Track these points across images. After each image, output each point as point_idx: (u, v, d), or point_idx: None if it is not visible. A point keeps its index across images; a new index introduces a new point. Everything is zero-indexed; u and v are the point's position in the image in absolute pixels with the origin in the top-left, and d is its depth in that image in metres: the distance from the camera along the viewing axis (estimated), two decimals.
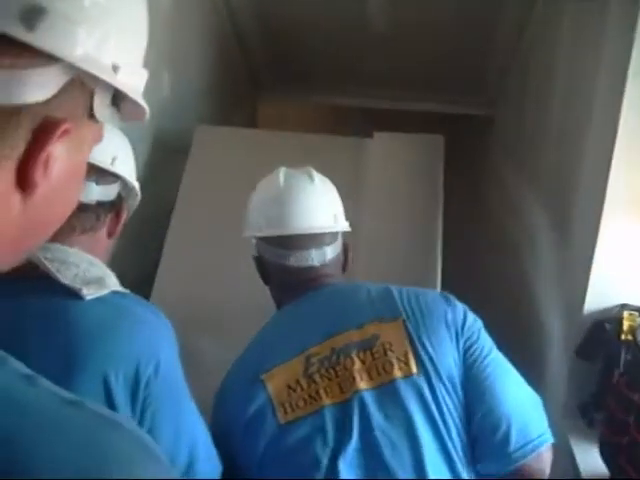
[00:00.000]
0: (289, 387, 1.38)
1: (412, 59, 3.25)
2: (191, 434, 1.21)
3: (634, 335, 1.69)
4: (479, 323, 1.48)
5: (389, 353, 1.39)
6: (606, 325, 1.75)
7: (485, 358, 1.42)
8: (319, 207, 1.58)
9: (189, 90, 2.73)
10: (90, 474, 0.48)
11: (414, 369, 1.38)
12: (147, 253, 2.29)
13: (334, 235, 1.59)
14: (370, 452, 1.32)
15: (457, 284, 2.51)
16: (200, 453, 1.21)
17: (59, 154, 0.57)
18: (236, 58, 3.42)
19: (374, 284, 1.54)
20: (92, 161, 1.23)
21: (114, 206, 1.33)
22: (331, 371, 1.39)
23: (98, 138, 0.66)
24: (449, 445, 1.34)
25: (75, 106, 0.59)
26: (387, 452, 1.32)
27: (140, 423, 1.13)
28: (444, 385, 1.38)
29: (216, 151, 2.44)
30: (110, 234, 1.35)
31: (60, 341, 1.14)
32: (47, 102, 0.55)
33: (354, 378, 1.37)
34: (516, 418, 1.35)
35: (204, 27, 2.91)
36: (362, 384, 1.37)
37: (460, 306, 1.49)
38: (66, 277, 1.17)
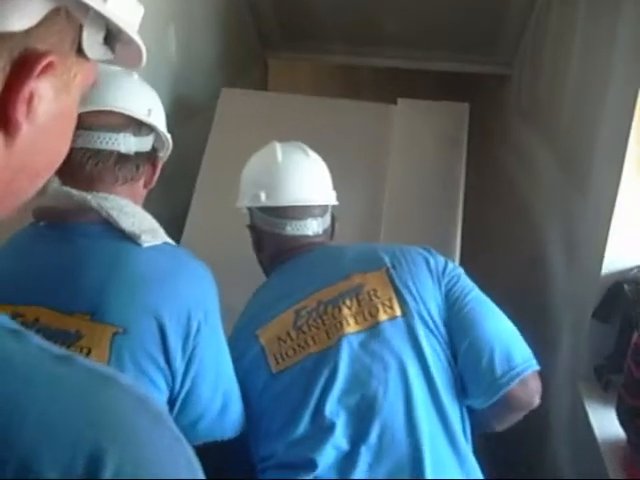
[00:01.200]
0: (279, 339, 1.47)
1: (427, 18, 3.18)
2: (227, 377, 1.34)
3: None
4: (459, 269, 1.57)
5: (374, 299, 1.48)
6: (625, 286, 1.72)
7: (466, 296, 1.50)
8: (315, 181, 1.69)
9: (197, 50, 2.68)
10: (83, 433, 0.46)
11: (398, 311, 1.46)
12: (173, 206, 2.30)
13: (326, 208, 1.70)
14: (356, 390, 1.40)
15: (472, 247, 2.49)
16: (232, 395, 1.34)
17: (44, 92, 0.52)
18: (246, 17, 3.36)
19: (361, 244, 1.65)
20: (129, 113, 1.33)
21: (150, 157, 1.40)
22: (318, 320, 1.47)
23: (89, 79, 0.60)
24: (435, 380, 1.40)
25: (60, 39, 0.53)
26: (373, 389, 1.39)
27: (187, 366, 1.22)
28: (427, 325, 1.46)
29: (241, 113, 2.44)
30: (146, 184, 1.42)
31: (118, 281, 1.22)
32: (28, 32, 0.49)
33: (341, 324, 1.45)
34: (499, 347, 1.42)
35: None
36: (348, 329, 1.45)
37: (441, 256, 1.59)
38: (126, 225, 1.26)
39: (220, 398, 1.31)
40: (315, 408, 1.39)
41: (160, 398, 1.22)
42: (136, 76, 1.44)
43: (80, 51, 0.56)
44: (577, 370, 1.90)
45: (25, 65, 0.50)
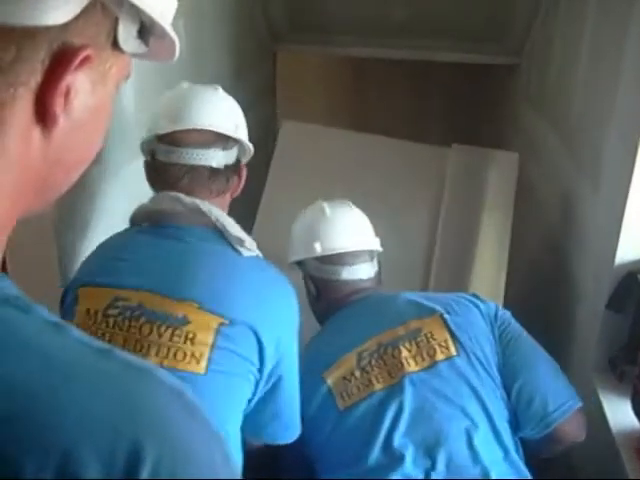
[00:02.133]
0: (344, 378, 1.60)
1: (436, 8, 3.17)
2: (297, 387, 1.44)
3: None
4: (508, 314, 1.71)
5: (431, 341, 1.62)
6: (638, 277, 1.71)
7: (517, 340, 1.65)
8: (360, 229, 1.85)
9: (206, 42, 2.68)
10: (123, 428, 0.46)
11: (454, 352, 1.60)
12: None
13: (373, 253, 1.84)
14: (422, 424, 1.52)
15: None
16: (297, 404, 1.45)
17: (80, 85, 0.52)
18: (255, 10, 3.35)
19: (410, 292, 1.78)
20: (219, 130, 1.43)
21: (236, 168, 1.49)
22: (380, 361, 1.61)
23: (125, 73, 0.60)
24: (492, 413, 1.53)
25: (97, 32, 0.53)
26: (437, 422, 1.52)
27: (272, 371, 1.34)
28: (481, 364, 1.59)
29: (300, 148, 2.53)
30: (233, 193, 1.51)
31: (226, 280, 1.34)
32: (66, 26, 0.49)
33: (402, 364, 1.59)
34: (549, 387, 1.57)
35: None
36: (410, 368, 1.58)
37: (490, 302, 1.74)
38: (233, 230, 1.38)
39: (292, 403, 1.43)
40: (385, 441, 1.51)
41: (247, 391, 1.33)
42: (221, 90, 1.53)
43: (115, 44, 0.55)
44: (591, 361, 1.89)
45: (63, 59, 0.50)
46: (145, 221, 1.43)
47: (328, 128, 2.96)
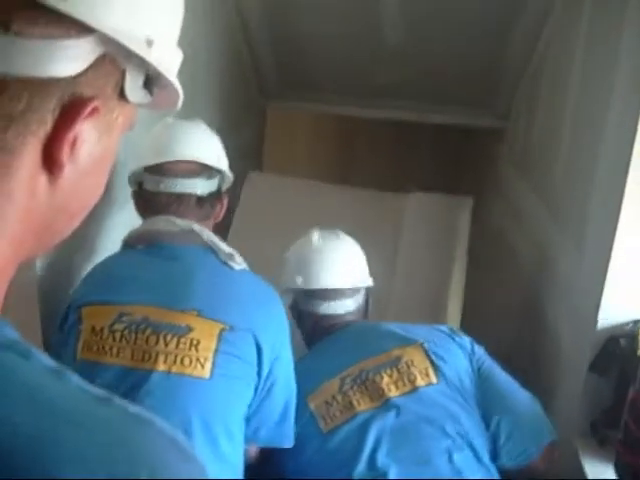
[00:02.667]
0: (326, 402, 1.66)
1: (423, 72, 3.23)
2: (293, 390, 1.53)
3: None
4: (483, 349, 1.79)
5: (412, 368, 1.68)
6: (621, 340, 1.72)
7: (493, 375, 1.74)
8: (347, 266, 1.88)
9: (199, 95, 2.72)
10: (121, 475, 0.47)
11: (434, 379, 1.66)
12: None
13: (357, 289, 1.88)
14: (404, 445, 1.57)
15: (466, 297, 2.49)
16: (293, 407, 1.53)
17: (87, 135, 0.54)
18: (247, 67, 3.41)
19: (391, 323, 1.86)
20: (204, 161, 1.59)
21: (218, 195, 1.64)
22: (362, 386, 1.66)
23: (130, 122, 0.62)
24: (472, 438, 1.59)
25: (105, 84, 0.55)
26: (420, 443, 1.57)
27: (269, 373, 1.43)
28: (460, 392, 1.66)
29: (264, 198, 2.66)
30: (216, 218, 1.66)
31: (222, 289, 1.45)
32: (77, 77, 0.51)
33: (383, 390, 1.64)
34: (527, 423, 1.65)
35: (216, 35, 2.90)
36: (391, 393, 1.64)
37: (464, 335, 1.83)
38: (223, 247, 1.50)
39: (286, 407, 1.50)
40: (368, 461, 1.55)
41: (248, 395, 1.42)
42: (203, 124, 1.69)
43: (122, 94, 0.57)
44: (573, 424, 1.88)
45: (73, 109, 0.52)
46: (140, 242, 1.53)
47: (292, 178, 3.11)
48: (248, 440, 1.46)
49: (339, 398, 1.65)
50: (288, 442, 1.53)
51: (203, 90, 2.82)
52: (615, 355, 1.74)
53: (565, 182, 2.24)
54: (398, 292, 2.43)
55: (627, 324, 1.76)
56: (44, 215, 0.55)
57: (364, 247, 1.97)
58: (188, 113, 2.45)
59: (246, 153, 3.45)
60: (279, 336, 1.48)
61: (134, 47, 0.54)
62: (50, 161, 0.52)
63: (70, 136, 0.52)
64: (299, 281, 1.85)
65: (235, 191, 2.76)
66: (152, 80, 0.61)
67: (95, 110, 0.53)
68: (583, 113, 2.12)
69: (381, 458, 1.54)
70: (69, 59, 0.50)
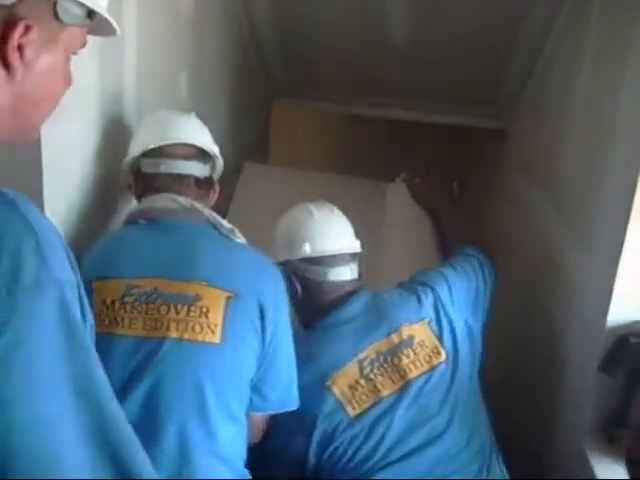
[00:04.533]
0: (351, 387, 1.73)
1: (429, 72, 3.23)
2: (292, 354, 1.60)
3: None
4: (440, 285, 1.99)
5: (425, 349, 1.81)
6: (631, 339, 1.72)
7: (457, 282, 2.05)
8: (346, 232, 1.96)
9: (206, 92, 2.73)
10: None
11: (443, 355, 1.82)
12: None
13: (356, 255, 1.95)
14: (423, 423, 1.72)
15: None
16: (295, 369, 1.61)
17: (30, 44, 0.81)
18: (254, 66, 3.42)
19: (390, 292, 1.97)
20: (200, 145, 1.70)
21: (212, 180, 1.75)
22: (382, 369, 1.76)
23: (77, 41, 0.90)
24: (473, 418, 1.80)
25: (38, 8, 0.82)
26: (437, 420, 1.73)
27: (273, 335, 1.51)
28: (455, 349, 1.86)
29: (260, 188, 2.74)
30: (209, 203, 1.71)
31: (227, 260, 1.54)
32: (12, 5, 0.79)
33: (404, 371, 1.76)
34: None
35: (224, 33, 2.92)
36: (411, 374, 1.76)
37: (421, 287, 1.99)
38: (224, 223, 1.59)
39: (290, 369, 1.58)
40: (396, 442, 1.68)
41: (254, 361, 1.49)
42: (194, 115, 1.79)
43: (57, 17, 0.84)
44: (582, 423, 1.87)
45: (9, 26, 0.79)
46: (141, 219, 1.58)
47: (287, 169, 3.18)
48: (257, 408, 1.52)
49: (362, 382, 1.73)
50: (295, 403, 1.60)
51: (211, 89, 2.83)
52: (625, 354, 1.74)
53: (574, 181, 2.24)
54: (386, 267, 2.49)
55: (637, 323, 1.76)
56: (9, 98, 0.82)
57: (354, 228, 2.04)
58: (197, 110, 2.47)
59: (252, 149, 3.47)
60: (279, 302, 1.55)
61: None
62: (6, 62, 0.80)
63: (14, 44, 0.79)
64: (307, 249, 1.88)
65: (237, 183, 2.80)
66: (93, 13, 0.89)
67: (28, 27, 0.80)
68: (592, 112, 2.12)
69: (406, 440, 1.67)
70: None
